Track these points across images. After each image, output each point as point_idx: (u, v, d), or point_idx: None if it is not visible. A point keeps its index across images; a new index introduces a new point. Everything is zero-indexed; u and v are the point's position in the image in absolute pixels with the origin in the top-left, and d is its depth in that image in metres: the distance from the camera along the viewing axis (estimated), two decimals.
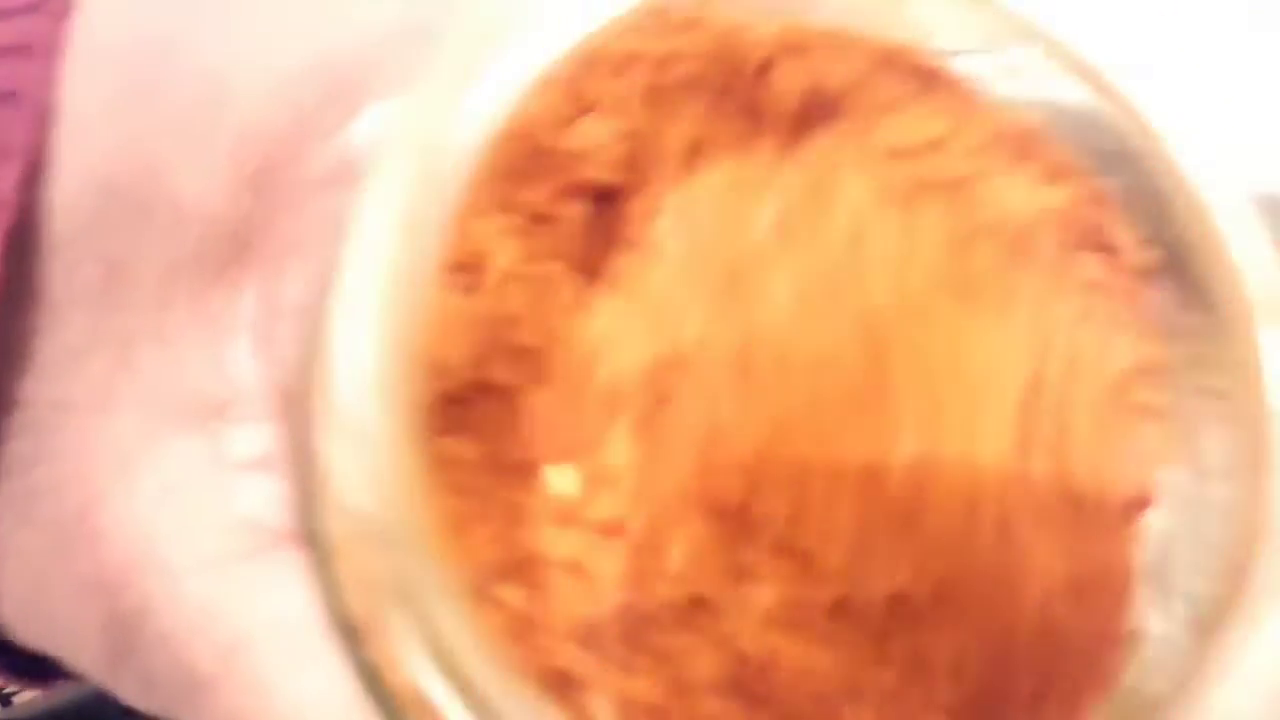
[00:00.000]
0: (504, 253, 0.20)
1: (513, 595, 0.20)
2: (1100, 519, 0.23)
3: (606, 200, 0.21)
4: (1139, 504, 0.23)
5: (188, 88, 0.22)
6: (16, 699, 0.44)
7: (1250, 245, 0.21)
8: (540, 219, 0.21)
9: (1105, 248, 0.24)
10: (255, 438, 0.22)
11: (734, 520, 0.21)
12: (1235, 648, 0.18)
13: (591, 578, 0.20)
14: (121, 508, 0.22)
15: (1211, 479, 0.22)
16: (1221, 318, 0.21)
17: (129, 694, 0.23)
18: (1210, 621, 0.19)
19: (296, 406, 0.20)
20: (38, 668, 0.25)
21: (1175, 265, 0.23)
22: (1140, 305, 0.24)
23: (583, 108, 0.21)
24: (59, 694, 0.43)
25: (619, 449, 0.20)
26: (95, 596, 0.22)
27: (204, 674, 0.22)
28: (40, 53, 0.21)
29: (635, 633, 0.20)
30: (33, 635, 0.24)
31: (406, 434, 0.19)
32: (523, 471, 0.20)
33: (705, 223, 0.22)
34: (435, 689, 0.18)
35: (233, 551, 0.22)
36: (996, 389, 0.23)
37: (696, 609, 0.20)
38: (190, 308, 0.23)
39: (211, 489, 0.22)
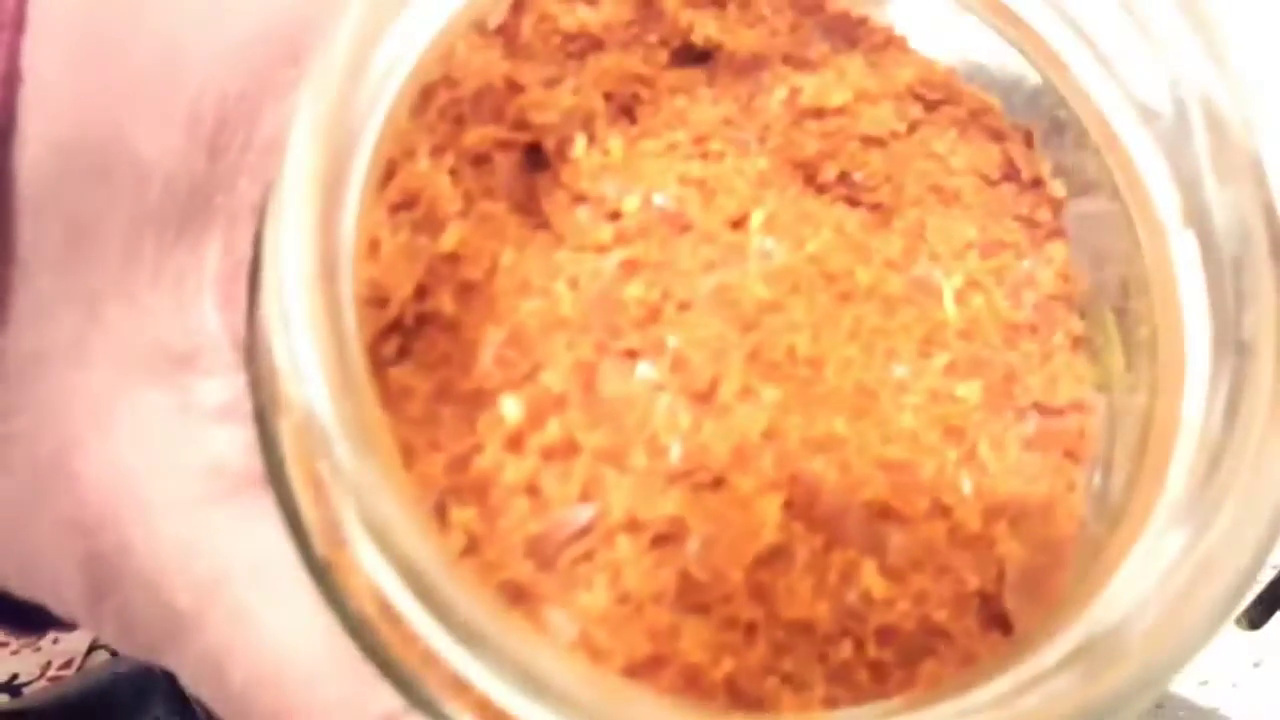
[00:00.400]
0: (445, 193, 0.21)
1: (466, 516, 0.21)
2: (1049, 427, 0.24)
3: (540, 146, 0.22)
4: (1078, 408, 0.24)
5: (144, 53, 0.23)
6: (27, 690, 0.45)
7: (1158, 167, 0.22)
8: (479, 161, 0.22)
9: (1027, 183, 0.25)
10: (222, 387, 0.23)
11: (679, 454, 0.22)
12: (1136, 541, 0.19)
13: (542, 498, 0.21)
14: (97, 453, 0.23)
15: (1128, 393, 0.23)
16: (1137, 239, 0.22)
17: (109, 634, 0.24)
18: (1118, 514, 0.20)
19: (252, 350, 0.21)
20: (26, 616, 0.26)
21: (1091, 193, 0.24)
22: (1062, 235, 0.25)
23: (512, 54, 0.22)
24: (67, 684, 0.43)
25: (562, 377, 0.21)
26: (74, 537, 0.23)
27: (183, 610, 0.23)
28: (4, 24, 0.23)
29: (585, 548, 0.21)
30: (15, 578, 0.25)
31: (356, 368, 0.19)
32: (472, 401, 0.21)
33: (635, 173, 0.23)
34: (402, 605, 0.18)
35: (205, 494, 0.23)
36: (938, 326, 0.24)
37: (642, 529, 0.21)
38: (155, 264, 0.24)
39: (182, 436, 0.23)
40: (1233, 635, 0.45)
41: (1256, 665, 0.45)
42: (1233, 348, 0.19)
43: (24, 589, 0.25)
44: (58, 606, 0.25)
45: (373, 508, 0.16)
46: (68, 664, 0.46)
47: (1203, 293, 0.20)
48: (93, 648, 0.47)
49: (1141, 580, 0.18)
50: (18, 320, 0.23)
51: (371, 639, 0.19)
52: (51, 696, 0.42)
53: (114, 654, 0.47)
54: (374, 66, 0.18)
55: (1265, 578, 0.46)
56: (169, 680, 0.37)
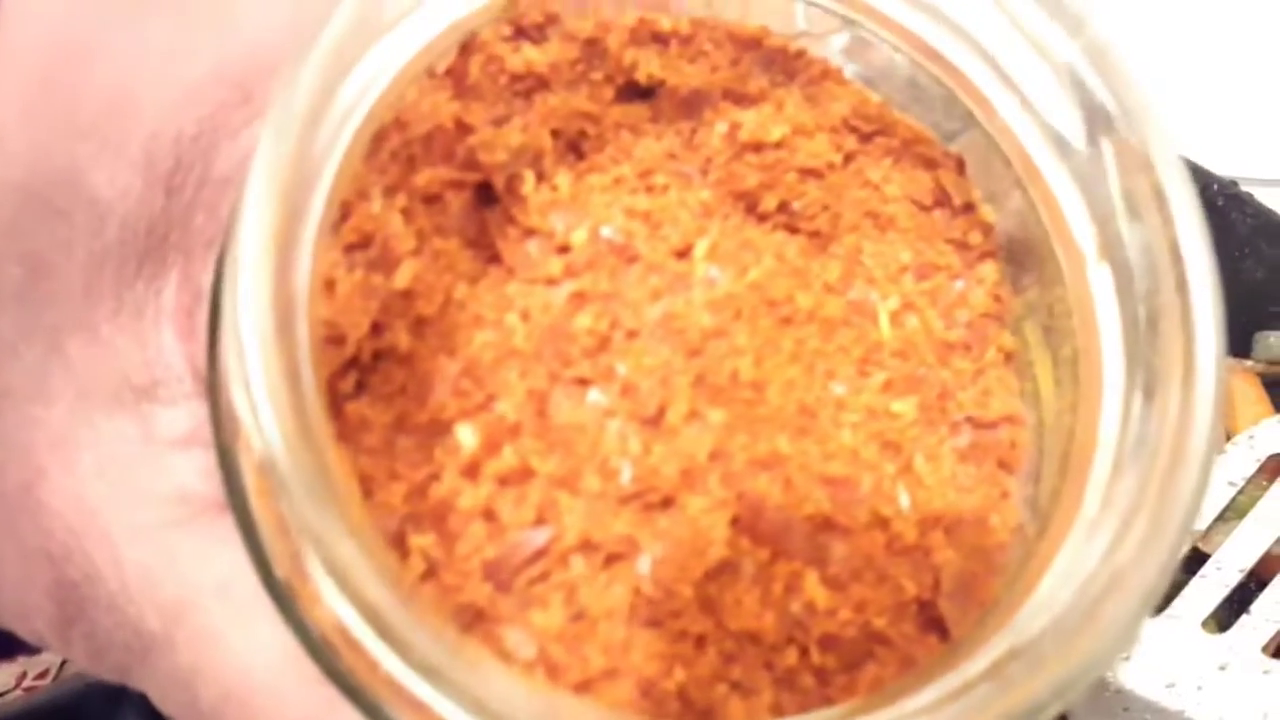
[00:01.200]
0: (398, 232, 0.22)
1: (425, 542, 0.22)
2: (982, 439, 0.26)
3: (490, 184, 0.23)
4: (1010, 420, 0.26)
5: (98, 97, 0.24)
6: (1, 701, 0.45)
7: (1076, 200, 0.23)
8: (431, 200, 0.23)
9: (959, 208, 0.27)
10: (184, 416, 0.24)
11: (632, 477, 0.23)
12: (1057, 553, 0.20)
13: (499, 522, 0.22)
14: (61, 483, 0.24)
15: (1056, 406, 0.24)
16: (1059, 265, 0.24)
17: (79, 657, 0.25)
18: (1044, 525, 0.22)
19: (213, 387, 0.21)
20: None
21: (1016, 218, 0.26)
22: (993, 256, 0.27)
23: (460, 96, 0.23)
24: (39, 694, 0.44)
25: (516, 405, 0.22)
26: (41, 565, 0.24)
27: (152, 633, 0.24)
28: None
29: (540, 569, 0.22)
30: None
31: (313, 412, 0.20)
32: (429, 431, 0.22)
33: (583, 207, 0.24)
34: (361, 637, 0.19)
35: (169, 520, 0.24)
36: (875, 346, 0.26)
37: (595, 549, 0.22)
38: (115, 299, 0.24)
39: (145, 464, 0.24)
40: (1199, 638, 0.45)
41: (1222, 668, 0.45)
42: (1143, 374, 0.20)
43: None
44: (27, 633, 0.26)
45: (329, 552, 0.17)
46: (43, 674, 0.46)
47: (1117, 321, 0.21)
48: (66, 659, 0.48)
49: (1061, 591, 0.19)
50: None
51: (334, 664, 0.20)
52: (23, 707, 0.42)
53: (37, 654, 0.47)
54: (331, 112, 0.19)
55: (1232, 581, 0.46)
56: (141, 692, 0.38)
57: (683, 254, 0.24)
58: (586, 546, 0.22)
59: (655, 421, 0.23)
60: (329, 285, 0.21)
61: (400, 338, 0.22)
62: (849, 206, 0.26)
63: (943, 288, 0.26)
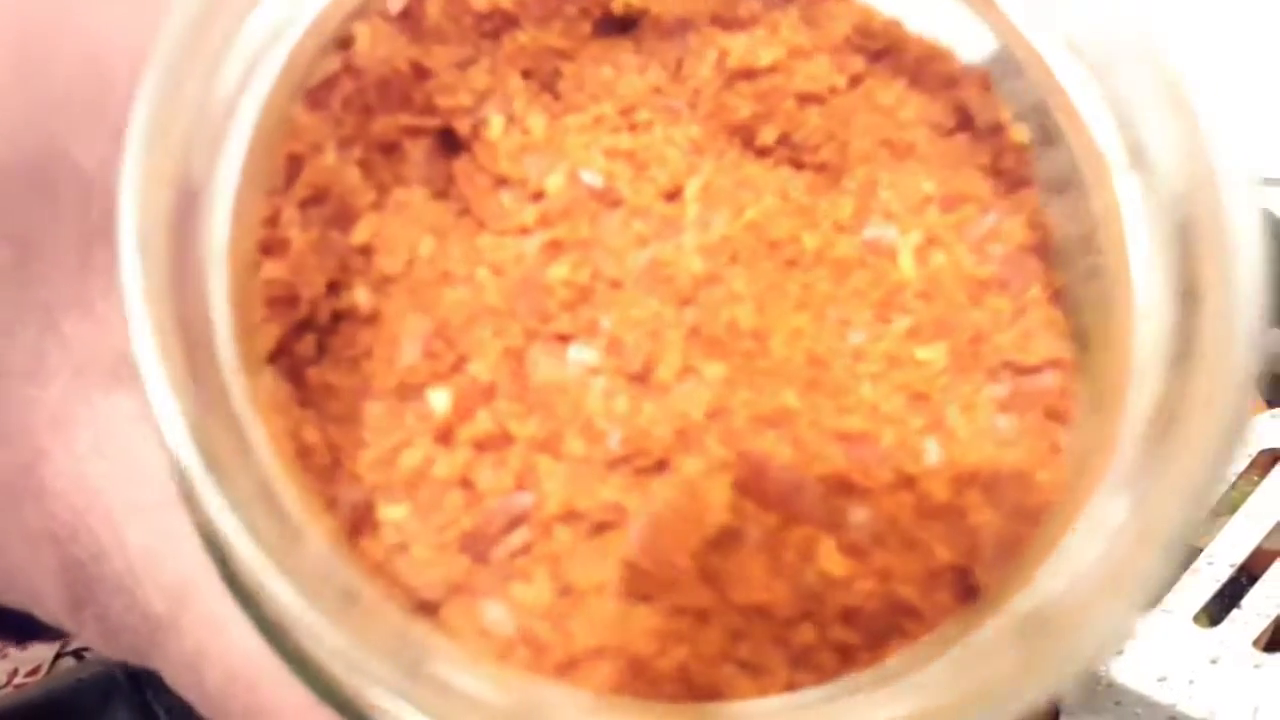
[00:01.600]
0: (356, 185, 0.21)
1: (398, 514, 0.20)
2: (1025, 387, 0.23)
3: (454, 131, 0.21)
4: (1056, 365, 0.23)
5: (72, 67, 0.23)
6: None
7: (1097, 105, 0.20)
8: (389, 150, 0.21)
9: (985, 130, 0.24)
10: None
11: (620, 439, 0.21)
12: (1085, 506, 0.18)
13: (476, 491, 0.20)
14: (62, 463, 0.23)
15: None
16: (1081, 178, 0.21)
17: (94, 639, 0.24)
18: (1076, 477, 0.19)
19: None
20: (17, 625, 0.27)
21: (1046, 137, 0.23)
22: (1029, 183, 0.24)
23: (418, 39, 0.21)
24: (31, 690, 0.44)
25: (490, 366, 0.21)
26: (48, 547, 0.23)
27: (158, 615, 0.23)
28: None
29: (522, 540, 0.20)
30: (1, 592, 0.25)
31: (264, 368, 0.19)
32: (398, 395, 0.21)
33: (559, 150, 0.22)
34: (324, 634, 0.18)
35: (170, 498, 0.23)
36: (895, 288, 0.23)
37: (580, 518, 0.20)
38: (108, 274, 0.24)
39: (144, 441, 0.23)
40: (1191, 633, 0.44)
41: (1213, 662, 0.44)
42: (1177, 293, 0.17)
43: (10, 599, 0.25)
44: (43, 615, 0.25)
45: (247, 572, 0.16)
46: (34, 670, 0.47)
47: (1148, 236, 0.18)
48: (59, 655, 0.48)
49: (1088, 545, 0.17)
50: None
51: (303, 672, 0.18)
52: (15, 702, 0.42)
53: (80, 659, 0.47)
54: (230, 52, 0.18)
55: (1224, 575, 0.45)
56: (132, 685, 0.37)
57: (672, 196, 0.22)
58: (571, 515, 0.20)
59: (644, 378, 0.21)
60: (282, 244, 0.20)
61: (362, 297, 0.20)
62: (859, 134, 0.23)
63: (972, 220, 0.24)
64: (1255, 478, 0.47)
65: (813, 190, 0.23)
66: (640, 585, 0.20)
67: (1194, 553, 0.46)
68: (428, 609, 0.19)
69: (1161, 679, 0.43)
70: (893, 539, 0.21)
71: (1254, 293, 0.17)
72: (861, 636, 0.21)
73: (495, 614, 0.20)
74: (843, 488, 0.21)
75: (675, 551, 0.20)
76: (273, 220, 0.20)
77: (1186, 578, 0.45)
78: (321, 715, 0.23)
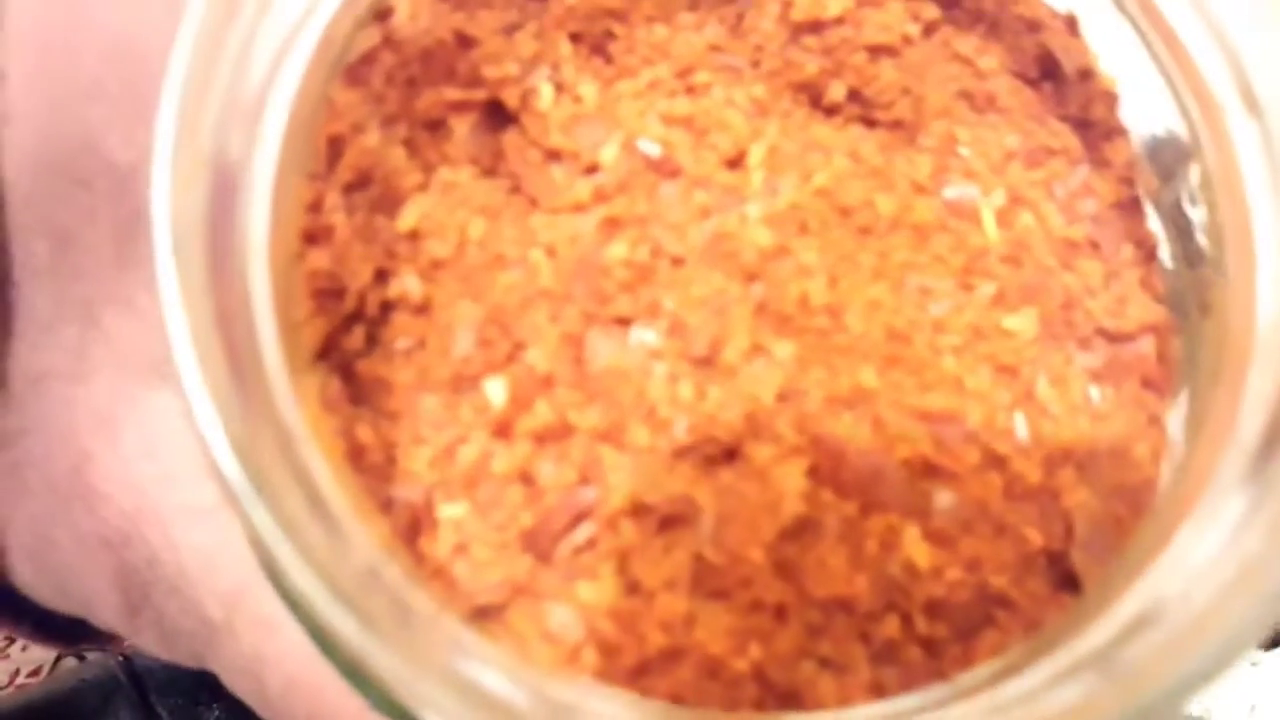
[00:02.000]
0: (401, 165, 0.19)
1: (457, 513, 0.19)
2: (1120, 355, 0.21)
3: (501, 103, 0.20)
4: (1153, 330, 0.21)
5: (101, 52, 0.22)
6: None
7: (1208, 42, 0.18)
8: (435, 127, 0.20)
9: (1073, 77, 0.22)
10: None
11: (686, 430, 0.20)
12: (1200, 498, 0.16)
13: (537, 486, 0.19)
14: (109, 465, 0.23)
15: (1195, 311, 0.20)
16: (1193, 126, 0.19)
17: (151, 644, 0.24)
18: (1185, 460, 0.17)
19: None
20: (69, 631, 0.26)
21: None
22: (1122, 133, 0.22)
23: (461, 5, 0.20)
24: (32, 690, 0.44)
25: (549, 353, 0.20)
26: (102, 552, 0.23)
27: (214, 619, 0.23)
28: None
29: (586, 536, 0.19)
30: (55, 598, 0.25)
31: (312, 364, 0.18)
32: (454, 387, 0.20)
33: (613, 118, 0.21)
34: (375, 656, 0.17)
35: (219, 500, 0.22)
36: (979, 253, 0.22)
37: (648, 511, 0.19)
38: (147, 267, 0.23)
39: (190, 441, 0.23)
40: None
41: None
42: None
43: (65, 607, 0.25)
44: (98, 621, 0.25)
45: (287, 590, 0.15)
46: (36, 671, 0.47)
47: (1270, 187, 0.16)
48: (60, 655, 0.49)
49: (1206, 539, 0.15)
50: (20, 341, 0.23)
51: (357, 683, 0.17)
52: (16, 703, 0.43)
53: (81, 660, 0.48)
54: (261, 31, 0.17)
55: None
56: (134, 686, 0.37)
57: (734, 163, 0.21)
58: (637, 509, 0.19)
59: (710, 360, 0.20)
60: (326, 231, 0.19)
61: (411, 285, 0.19)
62: (935, 87, 0.21)
63: (1060, 175, 0.22)
64: None
65: (886, 150, 0.21)
66: (712, 581, 0.19)
67: None
68: (489, 614, 0.18)
69: None
70: (981, 525, 0.20)
71: None
72: (950, 630, 0.19)
73: (561, 617, 0.19)
74: (926, 471, 0.20)
75: (748, 544, 0.19)
76: (315, 206, 0.19)
77: None
78: None
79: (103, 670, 0.39)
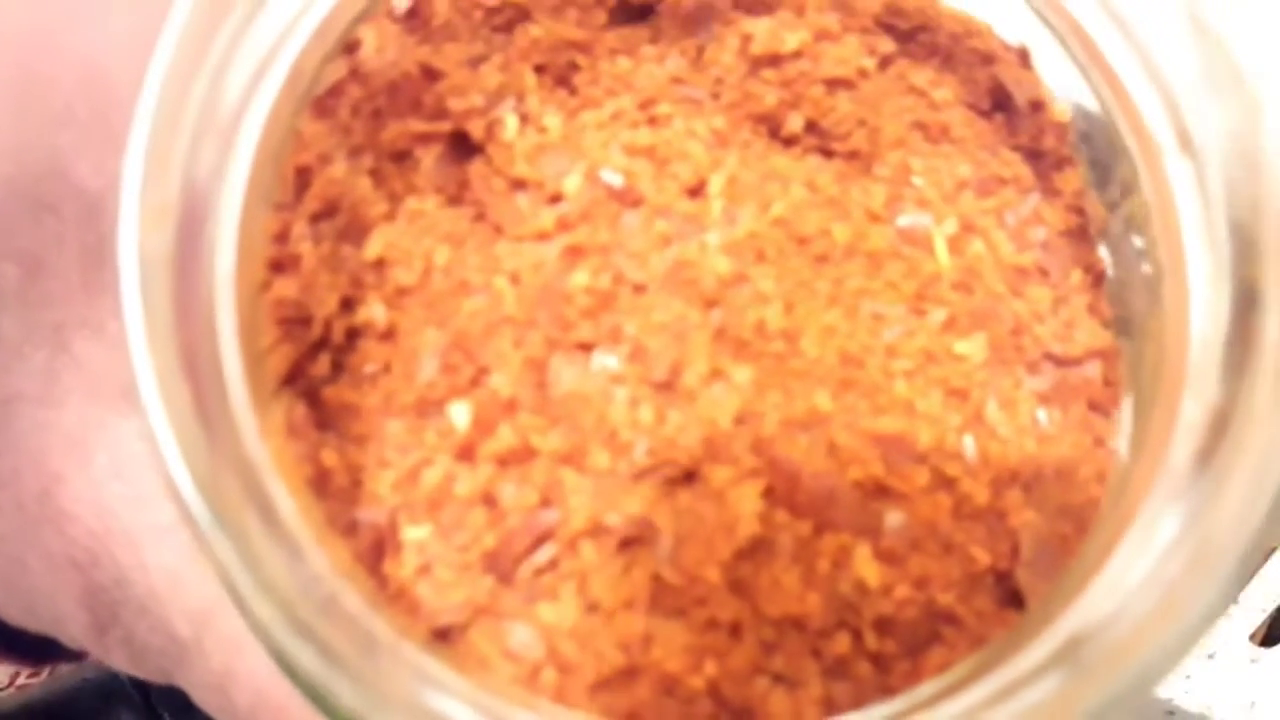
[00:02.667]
0: (367, 195, 0.20)
1: (420, 535, 0.20)
2: (1068, 379, 0.22)
3: (466, 134, 0.21)
4: (1100, 355, 0.22)
5: (73, 80, 0.23)
6: None
7: (1145, 84, 0.19)
8: (401, 158, 0.20)
9: (1025, 109, 0.23)
10: None
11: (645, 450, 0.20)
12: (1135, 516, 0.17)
13: (499, 508, 0.20)
14: (79, 487, 0.23)
15: (1137, 335, 0.21)
16: (1133, 163, 0.20)
17: (120, 662, 0.24)
18: (1123, 482, 0.18)
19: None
20: (39, 649, 0.27)
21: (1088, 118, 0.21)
22: (1071, 163, 0.23)
23: (428, 39, 0.20)
24: (32, 691, 0.45)
25: (512, 378, 0.20)
26: (70, 572, 0.23)
27: (183, 638, 0.23)
28: None
29: (548, 557, 0.20)
30: (23, 617, 0.25)
31: (278, 392, 0.19)
32: (418, 411, 0.20)
33: (576, 148, 0.21)
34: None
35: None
36: (931, 279, 0.22)
37: (607, 532, 0.20)
38: (115, 293, 0.23)
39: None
40: None
41: (1210, 657, 0.43)
42: (1235, 287, 0.16)
43: (34, 625, 0.25)
44: (67, 640, 0.25)
45: (251, 617, 0.15)
46: (36, 672, 0.48)
47: (1203, 226, 0.17)
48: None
49: (1139, 560, 0.16)
50: None
51: (324, 708, 0.18)
52: (17, 704, 0.43)
53: (81, 659, 0.48)
54: (234, 64, 0.17)
55: None
56: (136, 687, 0.38)
57: (695, 192, 0.21)
58: (598, 530, 0.20)
59: (670, 385, 0.20)
60: (293, 261, 0.19)
61: (377, 312, 0.20)
62: (890, 119, 0.22)
63: (1011, 204, 0.22)
64: None
65: (843, 179, 0.22)
66: (669, 600, 0.20)
67: None
68: (450, 635, 0.19)
69: None
70: (930, 544, 0.21)
71: None
72: (899, 646, 0.20)
73: (521, 636, 0.19)
74: (878, 491, 0.21)
75: (704, 564, 0.20)
76: (282, 236, 0.19)
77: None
78: None
79: (104, 671, 0.39)
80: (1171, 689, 0.42)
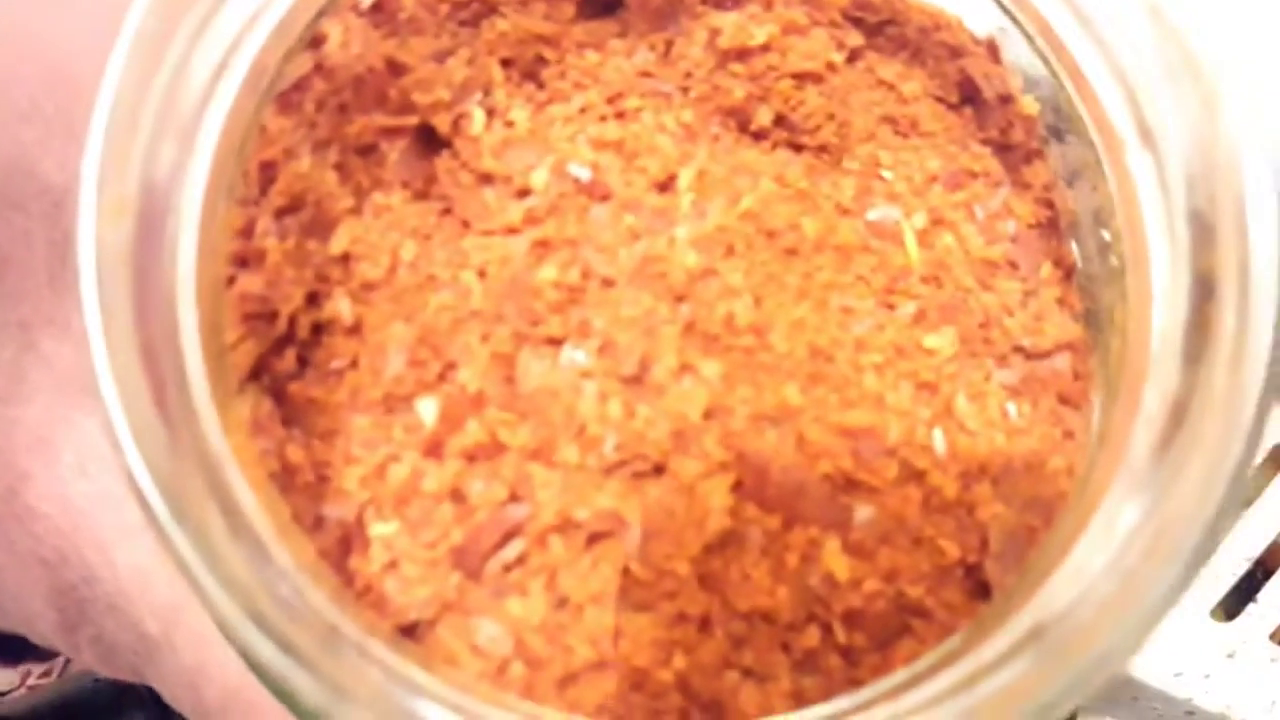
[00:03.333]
0: (333, 190, 0.20)
1: (388, 531, 0.20)
2: (1037, 372, 0.22)
3: (433, 128, 0.21)
4: (1070, 348, 0.22)
5: (37, 77, 0.23)
6: (5, 699, 0.46)
7: (1107, 77, 0.19)
8: (366, 152, 0.20)
9: (994, 102, 0.23)
10: None
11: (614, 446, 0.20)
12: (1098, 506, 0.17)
13: (467, 504, 0.20)
14: (45, 485, 0.23)
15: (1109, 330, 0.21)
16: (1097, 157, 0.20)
17: (91, 660, 0.24)
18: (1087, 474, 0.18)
19: None
20: (8, 647, 0.27)
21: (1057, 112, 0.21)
22: (1040, 156, 0.23)
23: (393, 33, 0.20)
24: (44, 692, 0.44)
25: (479, 373, 0.20)
26: (38, 570, 0.23)
27: (152, 635, 0.23)
28: None
29: (516, 553, 0.20)
30: None
31: (243, 388, 0.19)
32: (385, 407, 0.20)
33: (544, 143, 0.21)
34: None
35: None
36: (900, 273, 0.22)
37: (576, 527, 0.20)
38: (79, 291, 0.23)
39: None
40: (1207, 627, 0.44)
41: (1230, 657, 0.43)
42: (1193, 280, 0.16)
43: (2, 624, 0.25)
44: (37, 638, 0.25)
45: (214, 610, 0.15)
46: (47, 672, 0.47)
47: (1163, 219, 0.17)
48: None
49: (1099, 551, 0.16)
50: None
51: (291, 705, 0.18)
52: (29, 705, 0.43)
53: (54, 659, 0.48)
54: (194, 59, 0.17)
55: (1240, 569, 0.45)
56: (147, 687, 0.37)
57: (664, 186, 0.21)
58: (566, 525, 0.20)
59: (639, 379, 0.20)
60: (258, 256, 0.19)
61: (343, 307, 0.20)
62: (859, 112, 0.22)
63: (981, 197, 0.23)
64: (1271, 472, 0.46)
65: (812, 173, 0.22)
66: (638, 594, 0.20)
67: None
68: (417, 631, 0.19)
69: (1178, 674, 0.43)
70: (899, 537, 0.21)
71: (1271, 286, 0.16)
72: (869, 639, 0.20)
73: (490, 631, 0.19)
74: (847, 485, 0.21)
75: (673, 558, 0.20)
76: (247, 231, 0.19)
77: (1202, 572, 0.44)
78: None
79: None
80: (1191, 689, 0.42)
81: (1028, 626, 0.17)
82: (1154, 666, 0.43)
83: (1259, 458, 0.45)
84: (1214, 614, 0.44)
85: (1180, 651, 0.43)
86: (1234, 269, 0.15)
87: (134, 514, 0.23)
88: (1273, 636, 0.44)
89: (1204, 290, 0.16)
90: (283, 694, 0.16)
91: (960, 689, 0.17)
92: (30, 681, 0.46)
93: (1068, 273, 0.23)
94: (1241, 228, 0.16)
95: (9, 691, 0.46)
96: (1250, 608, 0.44)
